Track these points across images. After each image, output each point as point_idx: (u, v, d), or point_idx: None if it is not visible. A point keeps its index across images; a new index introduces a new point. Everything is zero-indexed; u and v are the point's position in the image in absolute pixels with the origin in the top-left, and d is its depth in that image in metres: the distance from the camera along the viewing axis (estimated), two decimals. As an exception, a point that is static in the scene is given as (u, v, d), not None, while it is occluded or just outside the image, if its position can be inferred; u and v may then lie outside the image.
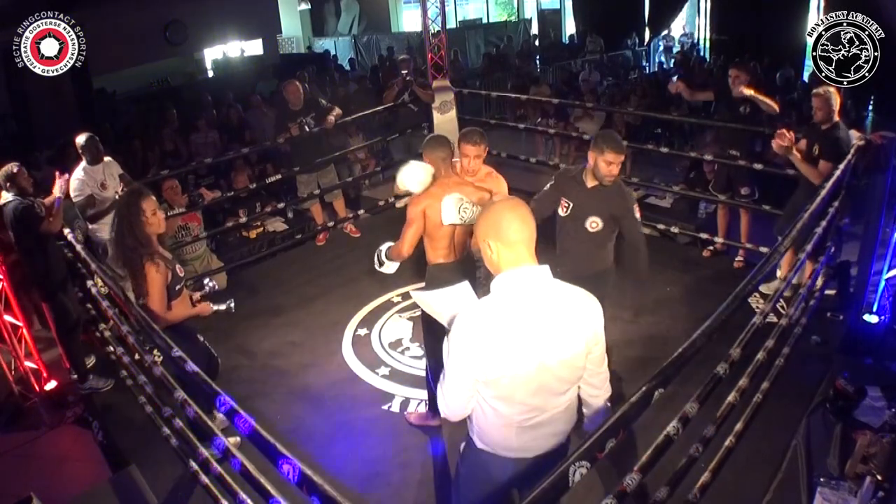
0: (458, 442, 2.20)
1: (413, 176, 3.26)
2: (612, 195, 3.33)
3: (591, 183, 3.36)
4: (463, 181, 3.33)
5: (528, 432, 1.94)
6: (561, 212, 3.45)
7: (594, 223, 3.34)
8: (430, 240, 3.28)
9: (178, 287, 3.21)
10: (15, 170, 3.96)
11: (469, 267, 3.34)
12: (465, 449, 2.13)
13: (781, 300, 3.93)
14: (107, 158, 4.61)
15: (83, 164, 4.47)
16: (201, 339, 3.43)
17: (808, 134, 4.34)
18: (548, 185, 3.53)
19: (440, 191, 3.13)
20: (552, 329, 1.83)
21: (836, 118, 4.17)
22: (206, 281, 3.51)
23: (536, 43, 15.05)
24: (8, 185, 3.95)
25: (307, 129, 5.75)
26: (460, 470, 2.17)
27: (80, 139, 4.48)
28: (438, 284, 2.98)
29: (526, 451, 1.99)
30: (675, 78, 5.07)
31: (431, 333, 3.32)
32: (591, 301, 1.93)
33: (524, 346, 1.80)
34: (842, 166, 3.72)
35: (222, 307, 3.41)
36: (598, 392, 2.05)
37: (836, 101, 4.15)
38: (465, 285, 2.08)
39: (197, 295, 3.40)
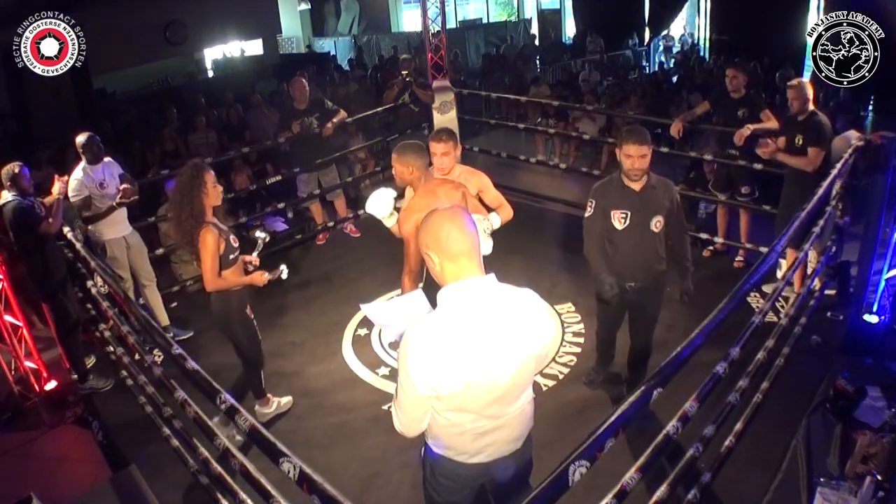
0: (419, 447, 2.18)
1: (379, 204, 3.31)
2: (662, 188, 3.31)
3: (630, 183, 3.29)
4: (444, 181, 3.29)
5: (483, 438, 1.94)
6: (618, 224, 3.32)
7: (658, 222, 3.31)
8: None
9: (231, 256, 3.40)
10: (17, 170, 3.96)
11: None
12: (424, 454, 2.13)
13: (781, 300, 3.93)
14: (107, 158, 4.62)
15: (83, 163, 4.46)
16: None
17: (787, 128, 4.43)
18: (590, 207, 3.38)
19: (425, 200, 3.00)
20: (502, 339, 1.81)
21: (812, 107, 4.28)
22: (257, 234, 3.69)
23: (536, 43, 15.05)
24: (9, 184, 3.95)
25: (311, 128, 5.74)
26: (424, 473, 2.16)
27: (80, 139, 4.46)
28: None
29: (482, 455, 1.98)
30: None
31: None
32: (537, 301, 1.91)
33: (475, 359, 1.78)
34: (839, 165, 3.72)
35: (274, 276, 3.59)
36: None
37: (810, 92, 4.27)
38: (418, 293, 2.04)
39: (266, 276, 3.56)
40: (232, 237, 3.44)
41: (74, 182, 4.39)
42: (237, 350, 3.68)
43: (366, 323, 4.77)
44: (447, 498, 2.10)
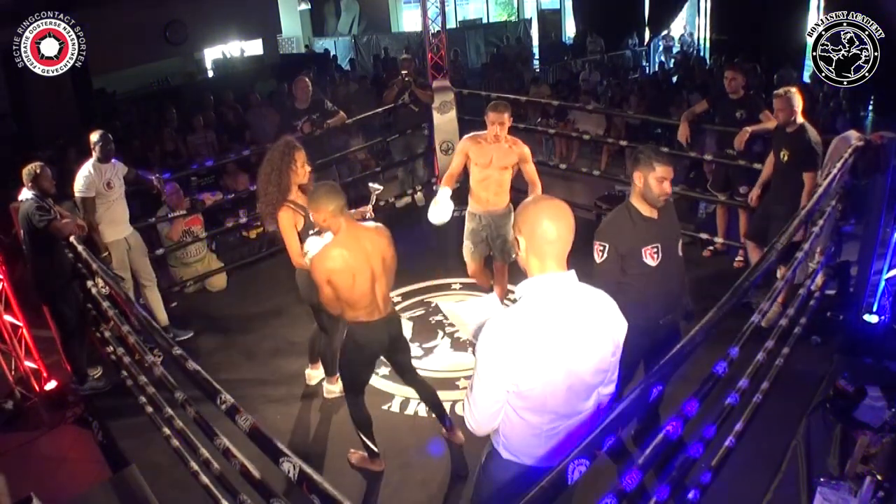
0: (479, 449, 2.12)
1: (441, 212, 3.77)
2: (670, 207, 2.97)
3: (649, 211, 2.87)
4: (367, 228, 3.06)
5: (556, 439, 1.91)
6: (651, 262, 2.86)
7: (682, 245, 3.03)
8: (346, 303, 2.97)
9: (311, 233, 3.43)
10: (38, 170, 3.94)
11: (395, 326, 3.17)
12: (489, 459, 2.05)
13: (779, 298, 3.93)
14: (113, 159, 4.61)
15: (93, 160, 4.42)
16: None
17: (774, 139, 4.31)
18: (601, 252, 2.84)
19: (342, 249, 2.88)
20: (581, 336, 1.81)
21: (801, 119, 4.10)
22: (370, 184, 3.81)
23: (536, 43, 15.06)
24: (31, 184, 3.94)
25: (314, 131, 5.73)
26: (482, 479, 2.10)
27: (94, 136, 4.44)
28: (360, 348, 3.11)
29: (552, 459, 1.92)
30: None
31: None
32: (613, 304, 1.91)
33: (554, 354, 1.78)
34: (839, 165, 3.72)
35: (373, 202, 3.71)
36: (612, 386, 2.01)
37: (799, 102, 4.07)
38: (493, 297, 2.06)
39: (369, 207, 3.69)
40: (312, 215, 3.22)
41: (82, 178, 4.37)
42: (317, 319, 3.80)
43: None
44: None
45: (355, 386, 3.26)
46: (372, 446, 3.32)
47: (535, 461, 1.95)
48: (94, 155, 4.43)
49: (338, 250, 2.88)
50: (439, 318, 4.72)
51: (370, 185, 3.80)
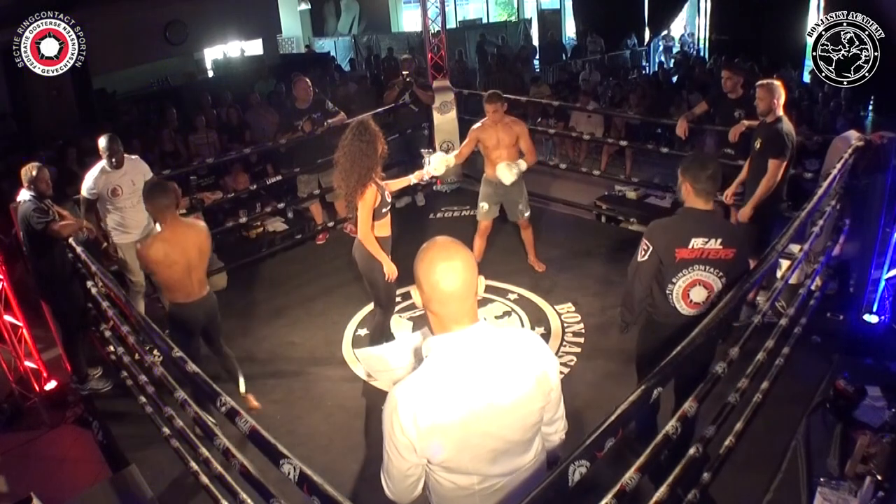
0: None
1: (439, 163, 4.07)
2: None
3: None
4: (187, 223, 3.54)
5: (495, 496, 1.69)
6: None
7: None
8: (165, 286, 3.50)
9: (384, 210, 3.71)
10: (35, 171, 3.92)
11: (210, 306, 3.62)
12: None
13: (781, 300, 3.92)
14: (133, 157, 4.55)
15: (103, 163, 4.37)
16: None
17: (755, 129, 4.32)
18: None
19: (164, 239, 3.36)
20: (497, 396, 1.59)
21: (780, 112, 4.09)
22: (422, 150, 4.19)
23: (535, 44, 15.04)
24: (28, 184, 3.92)
25: (315, 129, 5.74)
26: None
27: (102, 142, 4.33)
28: (180, 324, 3.49)
29: None
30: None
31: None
32: (537, 343, 1.70)
33: (466, 423, 1.57)
34: (839, 165, 3.72)
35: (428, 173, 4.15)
36: (554, 431, 1.82)
37: (781, 94, 4.06)
38: (413, 338, 1.83)
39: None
40: (387, 192, 3.74)
41: (88, 179, 4.34)
42: (373, 293, 3.91)
43: (366, 323, 4.77)
44: None
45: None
46: None
47: None
48: (103, 160, 4.38)
49: (160, 243, 3.36)
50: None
51: (422, 150, 4.22)
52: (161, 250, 3.35)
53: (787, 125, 4.08)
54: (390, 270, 3.73)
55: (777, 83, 4.11)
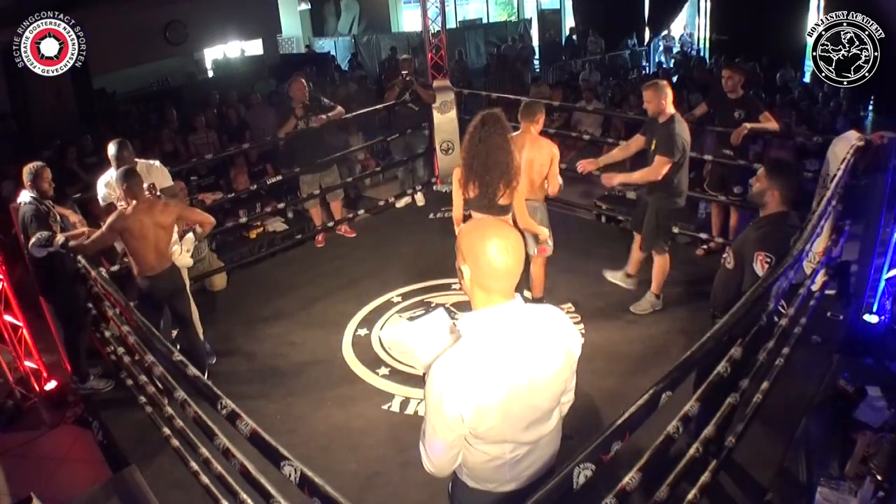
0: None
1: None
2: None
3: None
4: (152, 206, 3.77)
5: (521, 463, 1.83)
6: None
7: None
8: (133, 260, 3.81)
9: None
10: (37, 170, 3.89)
11: (174, 279, 3.92)
12: (455, 487, 1.98)
13: (782, 300, 3.92)
14: (154, 163, 4.46)
15: (112, 169, 4.16)
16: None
17: (647, 129, 4.37)
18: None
19: (134, 215, 3.69)
20: (534, 366, 1.71)
21: (671, 110, 4.12)
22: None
23: (535, 43, 15.07)
24: (30, 184, 3.90)
25: (308, 123, 5.74)
26: None
27: (111, 149, 4.11)
28: (146, 296, 3.88)
29: (519, 480, 1.86)
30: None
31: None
32: (564, 319, 1.82)
33: (508, 392, 1.68)
34: (842, 167, 3.72)
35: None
36: (567, 400, 1.95)
37: (668, 94, 4.10)
38: (441, 312, 1.82)
39: None
40: None
41: (100, 186, 4.27)
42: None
43: (366, 323, 4.77)
44: None
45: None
46: None
47: (504, 486, 1.87)
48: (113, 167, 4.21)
49: (140, 214, 3.69)
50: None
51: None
52: (138, 221, 3.70)
53: (680, 124, 4.11)
54: (544, 235, 4.10)
55: (663, 83, 4.15)
